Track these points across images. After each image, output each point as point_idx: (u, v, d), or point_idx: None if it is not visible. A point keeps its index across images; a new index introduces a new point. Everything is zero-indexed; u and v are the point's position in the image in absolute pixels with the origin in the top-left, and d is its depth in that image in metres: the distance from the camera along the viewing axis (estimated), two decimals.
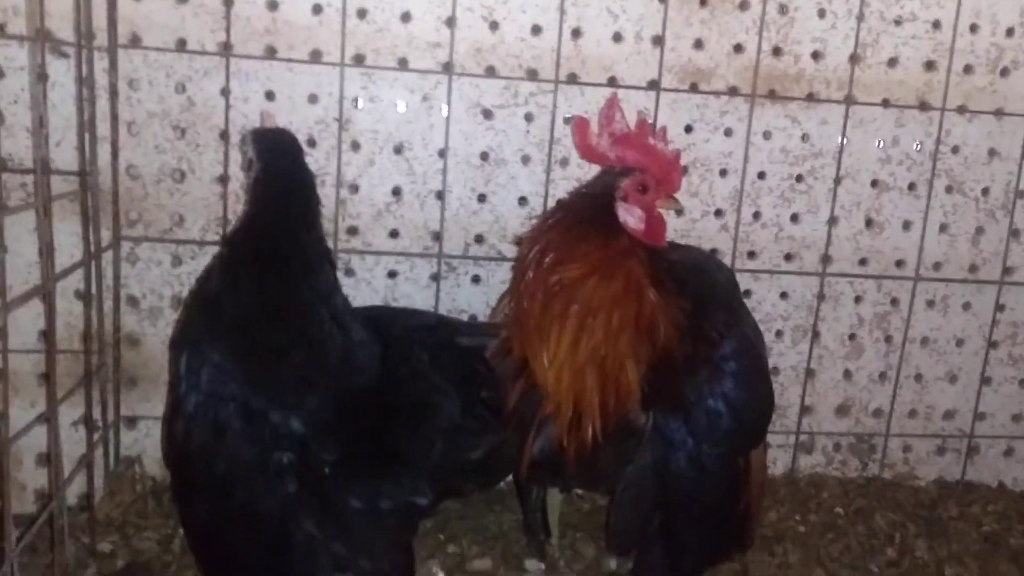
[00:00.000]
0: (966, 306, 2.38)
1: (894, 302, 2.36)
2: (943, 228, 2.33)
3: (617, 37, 2.10)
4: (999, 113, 2.27)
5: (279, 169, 1.65)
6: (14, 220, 1.85)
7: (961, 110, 2.26)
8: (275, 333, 1.58)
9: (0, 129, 1.91)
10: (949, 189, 2.31)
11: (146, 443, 2.12)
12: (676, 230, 2.21)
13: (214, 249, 2.03)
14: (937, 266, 2.35)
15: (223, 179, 2.04)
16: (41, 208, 1.62)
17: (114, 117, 1.96)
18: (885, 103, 2.22)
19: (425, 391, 1.66)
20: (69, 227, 1.92)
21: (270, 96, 2.02)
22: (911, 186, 2.29)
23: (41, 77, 1.83)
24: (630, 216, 1.72)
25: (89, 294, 1.89)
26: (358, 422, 1.58)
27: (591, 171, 2.11)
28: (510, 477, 1.96)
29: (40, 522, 1.68)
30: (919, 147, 2.27)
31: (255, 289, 1.59)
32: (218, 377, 1.53)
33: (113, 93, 1.95)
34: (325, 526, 1.55)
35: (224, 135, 2.02)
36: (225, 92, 2.00)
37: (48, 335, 1.66)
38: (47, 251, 1.64)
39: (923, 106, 2.24)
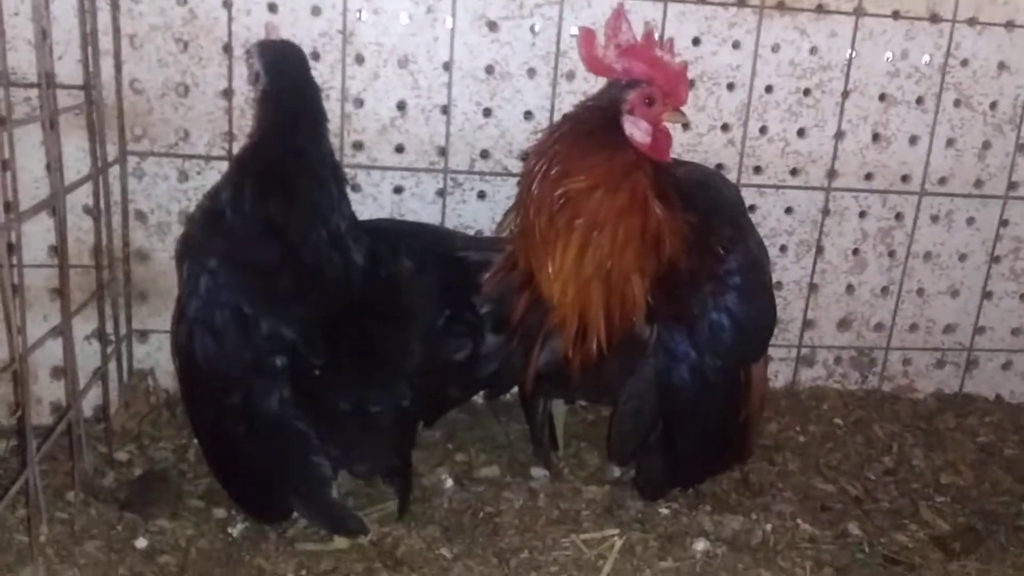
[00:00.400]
0: (970, 221, 2.39)
1: (899, 217, 2.36)
2: (950, 143, 2.32)
3: None
4: (1010, 25, 2.24)
5: (287, 83, 1.67)
6: (19, 136, 1.85)
7: (971, 22, 2.22)
8: (270, 252, 1.63)
9: (3, 42, 1.88)
10: (957, 103, 2.29)
11: (158, 356, 2.16)
12: (682, 145, 2.21)
13: (221, 164, 2.03)
14: (943, 181, 2.35)
15: (227, 93, 2.03)
16: (47, 122, 1.62)
17: (116, 30, 1.94)
18: (895, 15, 2.19)
19: (402, 295, 1.72)
20: (75, 142, 1.92)
21: (272, 8, 1.99)
22: (919, 100, 2.27)
23: None
24: (636, 129, 1.72)
25: (98, 209, 1.89)
26: (343, 327, 1.64)
27: (598, 84, 2.09)
28: (515, 389, 2.00)
29: (58, 431, 1.72)
30: (928, 60, 2.24)
31: (257, 205, 1.64)
32: (215, 284, 1.60)
33: (114, 5, 1.92)
34: (319, 428, 1.63)
35: (227, 48, 2.00)
36: (227, 4, 1.97)
37: (60, 249, 1.68)
38: (56, 164, 1.64)
39: (933, 18, 2.21)
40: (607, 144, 1.73)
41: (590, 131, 1.74)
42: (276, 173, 1.66)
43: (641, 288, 1.73)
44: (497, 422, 2.19)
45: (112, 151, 1.97)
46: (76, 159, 1.94)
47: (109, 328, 2.00)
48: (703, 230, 1.77)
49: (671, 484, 1.90)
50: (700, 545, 1.76)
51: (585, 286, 1.72)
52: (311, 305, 1.63)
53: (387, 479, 1.81)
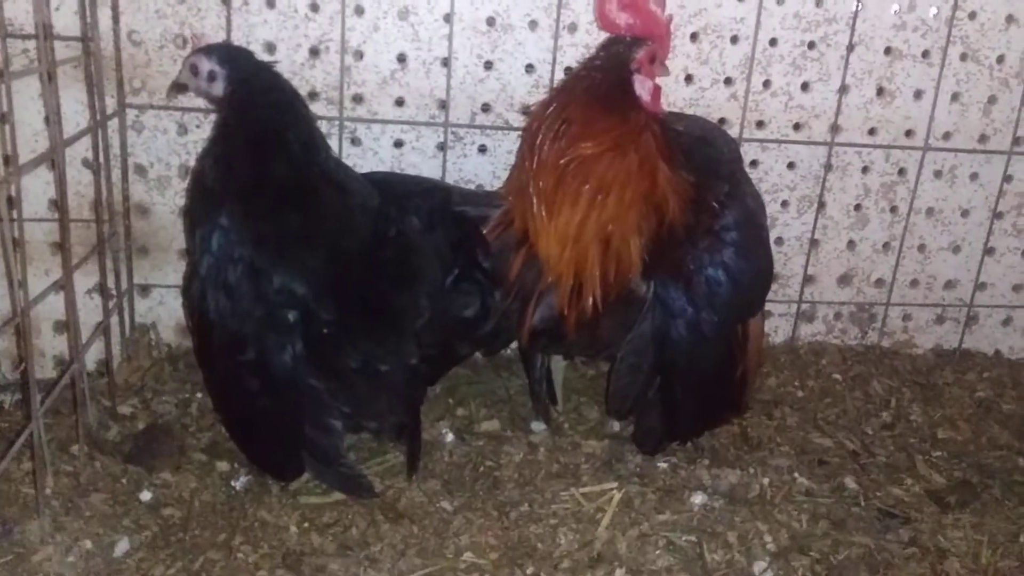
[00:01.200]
0: (973, 176, 2.38)
1: (901, 172, 2.35)
2: (955, 97, 2.30)
3: None
4: None
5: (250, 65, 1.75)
6: (18, 88, 1.83)
7: None
8: (270, 197, 1.65)
9: None
10: (963, 57, 2.26)
11: (160, 311, 2.16)
12: (685, 99, 2.19)
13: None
14: (947, 136, 2.33)
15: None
16: (45, 74, 1.61)
17: None
18: None
19: (409, 254, 1.72)
20: (72, 95, 1.91)
21: None
22: (925, 54, 2.25)
23: None
24: (643, 89, 1.72)
25: (97, 162, 1.89)
26: (353, 285, 1.65)
27: (600, 37, 2.07)
28: (515, 345, 2.01)
29: (62, 385, 1.73)
30: (935, 13, 2.21)
31: (246, 148, 1.67)
32: (226, 240, 1.61)
33: None
34: (330, 386, 1.65)
35: None
36: None
37: (60, 202, 1.67)
38: (54, 117, 1.63)
39: None
40: (619, 106, 1.72)
41: (602, 94, 1.73)
42: (260, 116, 1.69)
43: (638, 247, 1.73)
44: (498, 377, 2.20)
45: (111, 104, 1.95)
46: (75, 112, 1.92)
47: (110, 282, 2.00)
48: (700, 186, 1.76)
49: (669, 438, 1.91)
50: (698, 499, 1.78)
51: (584, 247, 1.72)
52: (320, 258, 1.64)
53: (396, 437, 1.82)
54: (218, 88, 1.71)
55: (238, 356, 1.61)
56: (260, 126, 1.68)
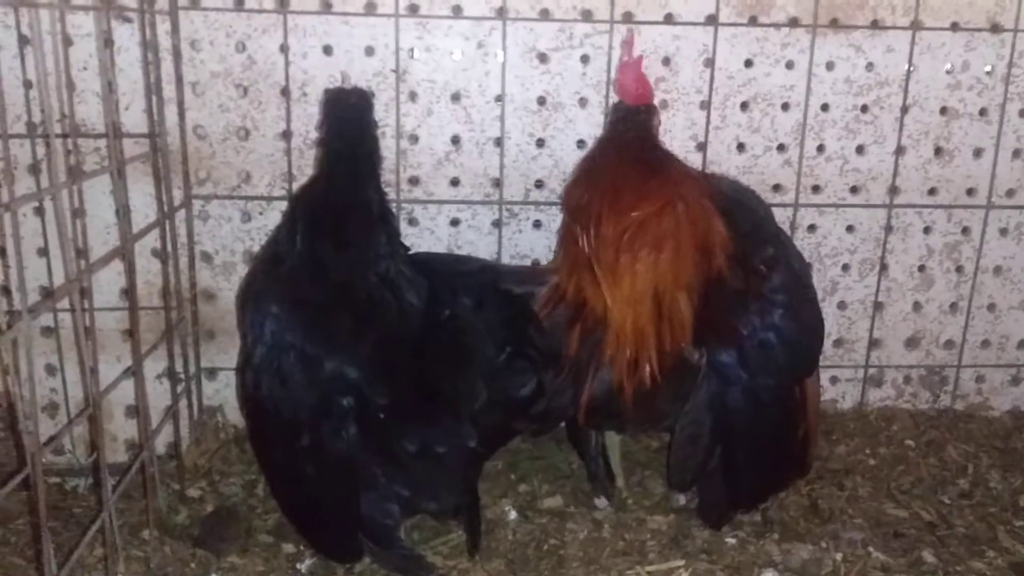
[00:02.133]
0: None
1: (965, 231, 2.31)
2: (1016, 154, 2.26)
3: None
4: None
5: (341, 131, 1.72)
6: (91, 184, 1.91)
7: None
8: (322, 292, 1.68)
9: (72, 96, 1.97)
10: (1022, 113, 2.23)
11: (227, 393, 2.21)
12: (738, 167, 2.20)
13: (281, 204, 2.08)
14: (1010, 193, 2.29)
15: (286, 135, 2.07)
16: (115, 171, 1.68)
17: (178, 79, 2.00)
18: (954, 27, 2.15)
19: (463, 335, 1.72)
20: (142, 188, 1.99)
21: (327, 50, 2.03)
22: (982, 112, 2.22)
23: (107, 43, 1.89)
24: None
25: (165, 252, 1.96)
26: (406, 369, 1.67)
27: None
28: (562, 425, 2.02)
29: (132, 470, 1.78)
30: (991, 71, 2.19)
31: (307, 248, 1.70)
32: (278, 328, 1.65)
33: (176, 55, 1.99)
34: (387, 469, 1.66)
35: (285, 91, 2.05)
36: (284, 48, 2.03)
37: (130, 293, 1.73)
38: (123, 212, 1.70)
39: (994, 28, 2.16)
40: (660, 166, 1.79)
41: (644, 158, 1.78)
42: (325, 217, 1.72)
43: (689, 308, 1.73)
44: (559, 451, 2.18)
45: (178, 195, 2.03)
46: (144, 204, 2.00)
47: (179, 367, 2.05)
48: (745, 248, 1.77)
49: (733, 508, 1.88)
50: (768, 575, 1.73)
51: (645, 309, 1.72)
52: (371, 345, 1.65)
53: (454, 515, 1.81)
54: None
55: (293, 443, 1.63)
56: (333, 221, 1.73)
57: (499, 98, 2.10)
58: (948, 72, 2.18)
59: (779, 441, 1.82)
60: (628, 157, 1.79)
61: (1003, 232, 2.31)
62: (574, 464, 2.12)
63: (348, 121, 1.74)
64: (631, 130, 1.83)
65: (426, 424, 1.64)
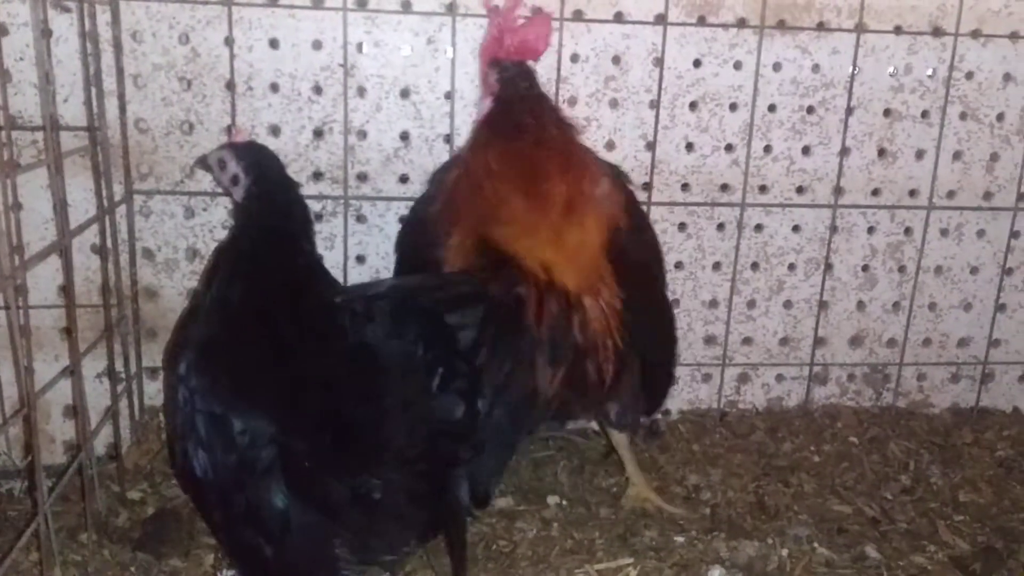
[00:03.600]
0: (980, 233, 2.37)
1: (908, 231, 2.35)
2: (957, 156, 2.31)
3: None
4: (1014, 36, 2.23)
5: (272, 184, 1.66)
6: (27, 178, 1.87)
7: (975, 34, 2.22)
8: (233, 334, 1.57)
9: (8, 87, 1.91)
10: (963, 116, 2.28)
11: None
12: (687, 166, 2.21)
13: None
14: (951, 194, 2.33)
15: (231, 129, 2.03)
16: (53, 165, 1.63)
17: (119, 71, 1.95)
18: (897, 30, 2.19)
19: (373, 367, 1.54)
20: (81, 182, 1.94)
21: (274, 44, 2.00)
22: (924, 114, 2.26)
23: (45, 33, 1.84)
24: None
25: (105, 248, 1.91)
26: (323, 410, 1.52)
27: (600, 108, 2.13)
28: None
29: (70, 472, 1.73)
30: (932, 74, 2.24)
31: (221, 291, 1.60)
32: (188, 392, 1.53)
33: (117, 46, 1.94)
34: (329, 519, 1.52)
35: (230, 85, 2.01)
36: (229, 41, 1.99)
37: (67, 290, 1.68)
38: (61, 208, 1.65)
39: (936, 32, 2.20)
40: (570, 129, 1.89)
41: (560, 121, 1.88)
42: (257, 272, 1.60)
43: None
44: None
45: (118, 190, 1.98)
46: (83, 199, 1.95)
47: (119, 366, 2.00)
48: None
49: (647, 414, 2.13)
50: (716, 572, 1.74)
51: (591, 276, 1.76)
52: (285, 390, 1.51)
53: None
54: (238, 193, 1.68)
55: (231, 509, 1.51)
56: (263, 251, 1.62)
57: (449, 95, 2.09)
58: (891, 75, 2.22)
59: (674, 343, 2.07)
60: (551, 118, 1.81)
61: (944, 233, 2.36)
62: (522, 462, 2.12)
63: (275, 171, 1.68)
64: (534, 87, 1.85)
65: (353, 467, 1.49)
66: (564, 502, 1.98)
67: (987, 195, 2.34)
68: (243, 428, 1.49)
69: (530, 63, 1.86)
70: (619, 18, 2.09)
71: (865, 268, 2.36)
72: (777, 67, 2.17)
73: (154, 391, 2.16)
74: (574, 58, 2.10)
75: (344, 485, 1.49)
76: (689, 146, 2.20)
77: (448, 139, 2.11)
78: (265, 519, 1.50)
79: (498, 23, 1.86)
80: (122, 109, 1.97)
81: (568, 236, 1.72)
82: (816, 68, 2.19)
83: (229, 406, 1.50)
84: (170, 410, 1.62)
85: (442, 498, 1.56)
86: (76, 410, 1.77)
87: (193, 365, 1.53)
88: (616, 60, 2.11)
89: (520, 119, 1.78)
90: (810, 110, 2.22)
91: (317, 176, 2.08)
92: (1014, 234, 2.38)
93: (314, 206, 2.04)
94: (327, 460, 1.49)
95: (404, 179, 2.13)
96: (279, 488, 1.48)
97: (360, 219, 2.13)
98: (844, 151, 2.26)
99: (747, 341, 2.38)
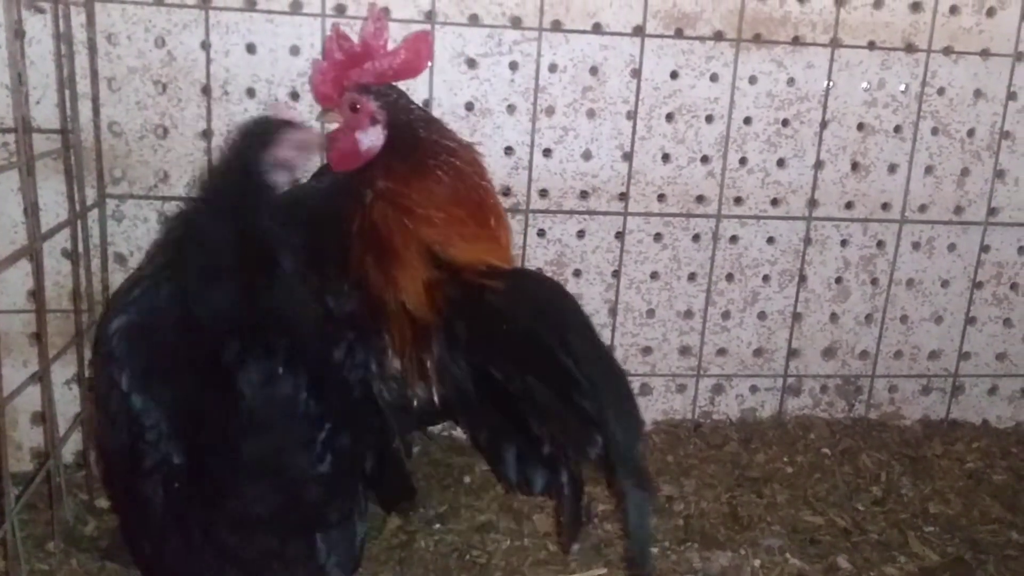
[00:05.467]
0: (951, 247, 2.40)
1: (880, 245, 2.37)
2: (929, 170, 2.33)
3: None
4: (985, 54, 2.26)
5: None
6: None
7: (947, 51, 2.25)
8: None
9: None
10: (935, 131, 2.31)
11: None
12: (663, 177, 2.22)
13: None
14: (923, 208, 2.36)
15: (206, 134, 2.02)
16: (24, 167, 1.61)
17: (94, 73, 1.93)
18: (871, 45, 2.21)
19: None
20: (53, 186, 1.91)
21: (251, 49, 1.99)
22: (897, 129, 2.29)
23: (18, 34, 1.82)
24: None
25: (76, 253, 1.88)
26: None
27: (577, 119, 2.13)
28: None
29: (38, 480, 1.70)
30: (905, 89, 2.26)
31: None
32: (103, 361, 1.46)
33: (92, 48, 1.92)
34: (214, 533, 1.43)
35: (206, 89, 1.99)
36: (205, 45, 1.97)
37: (37, 295, 1.66)
38: (32, 211, 1.63)
39: (909, 48, 2.23)
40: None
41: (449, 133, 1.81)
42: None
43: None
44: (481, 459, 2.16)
45: (91, 194, 1.96)
46: (55, 203, 1.92)
47: (89, 372, 1.97)
48: None
49: None
50: None
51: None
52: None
53: None
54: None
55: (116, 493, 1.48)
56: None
57: (427, 102, 2.08)
58: (865, 89, 2.25)
59: None
60: (450, 135, 1.76)
61: (915, 246, 2.38)
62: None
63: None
64: (419, 107, 1.79)
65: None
66: (536, 514, 1.97)
67: (958, 209, 2.37)
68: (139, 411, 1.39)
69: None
70: (597, 29, 2.10)
71: (838, 280, 2.39)
72: (753, 80, 2.19)
73: None
74: (552, 68, 2.10)
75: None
76: (665, 157, 2.21)
77: None
78: (146, 516, 1.41)
79: (348, 48, 1.73)
80: (96, 112, 1.94)
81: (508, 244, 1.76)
82: (791, 82, 2.21)
83: (137, 384, 1.40)
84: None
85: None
86: (44, 417, 1.74)
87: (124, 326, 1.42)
88: (594, 71, 2.12)
89: (432, 140, 1.72)
90: (785, 123, 2.24)
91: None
92: (984, 248, 2.41)
93: None
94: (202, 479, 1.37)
95: None
96: (159, 496, 1.38)
97: None
98: (818, 164, 2.28)
99: (721, 352, 2.39)
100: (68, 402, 2.00)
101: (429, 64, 1.83)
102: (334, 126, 1.75)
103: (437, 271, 1.62)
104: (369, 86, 1.71)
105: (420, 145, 1.70)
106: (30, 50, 1.88)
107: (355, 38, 1.74)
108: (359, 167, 1.69)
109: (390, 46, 1.73)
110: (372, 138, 1.69)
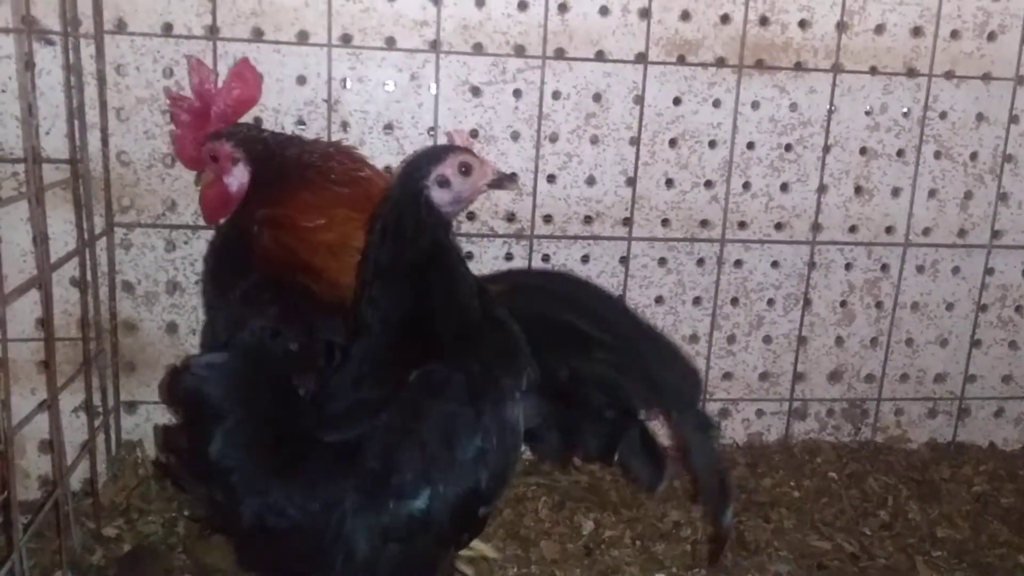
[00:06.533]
0: (955, 270, 2.40)
1: (884, 268, 2.38)
2: (932, 194, 2.34)
3: (604, 11, 2.09)
4: (987, 77, 2.28)
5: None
6: (6, 210, 1.85)
7: (948, 75, 2.26)
8: None
9: None
10: (937, 155, 2.32)
11: (147, 427, 2.14)
12: (667, 202, 2.23)
13: (207, 233, 2.03)
14: (926, 231, 2.37)
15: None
16: (34, 198, 1.63)
17: (103, 104, 1.95)
18: (873, 70, 2.23)
19: None
20: (62, 215, 1.93)
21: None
22: (899, 152, 2.30)
23: (28, 66, 1.84)
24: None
25: (85, 282, 1.89)
26: None
27: (581, 145, 2.14)
28: None
29: (46, 509, 1.70)
30: (907, 113, 2.28)
31: None
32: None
33: (101, 79, 1.94)
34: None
35: None
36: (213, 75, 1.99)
37: (46, 324, 1.67)
38: (41, 241, 1.64)
39: (911, 72, 2.25)
40: None
41: None
42: None
43: None
44: None
45: (99, 223, 1.97)
46: (64, 232, 1.94)
47: (97, 400, 1.98)
48: None
49: None
50: None
51: None
52: None
53: None
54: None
55: None
56: None
57: (432, 130, 2.10)
58: (867, 114, 2.26)
59: None
60: (321, 148, 1.85)
61: (920, 269, 2.39)
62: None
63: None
64: (270, 132, 1.85)
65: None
66: (543, 540, 1.97)
67: (962, 232, 2.38)
68: None
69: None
70: (600, 57, 2.12)
71: (843, 304, 2.39)
72: (756, 105, 2.21)
73: (132, 426, 2.14)
74: (556, 95, 2.12)
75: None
76: (669, 182, 2.22)
77: None
78: None
79: (188, 106, 1.79)
80: (104, 142, 1.97)
81: None
82: (794, 107, 2.23)
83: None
84: None
85: None
86: (52, 445, 1.74)
87: None
88: (597, 98, 2.14)
89: (293, 156, 1.77)
90: (788, 148, 2.25)
91: None
92: (988, 271, 2.42)
93: None
94: None
95: None
96: None
97: None
98: (822, 188, 2.29)
99: (727, 376, 2.39)
100: (75, 430, 2.01)
101: (260, 90, 1.83)
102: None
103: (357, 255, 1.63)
104: (219, 132, 1.77)
105: (284, 165, 1.76)
106: (40, 81, 1.91)
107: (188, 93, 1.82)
108: (235, 209, 1.77)
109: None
110: (238, 177, 1.76)
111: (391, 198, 1.48)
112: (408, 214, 1.46)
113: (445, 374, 1.42)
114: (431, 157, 1.50)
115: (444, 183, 1.47)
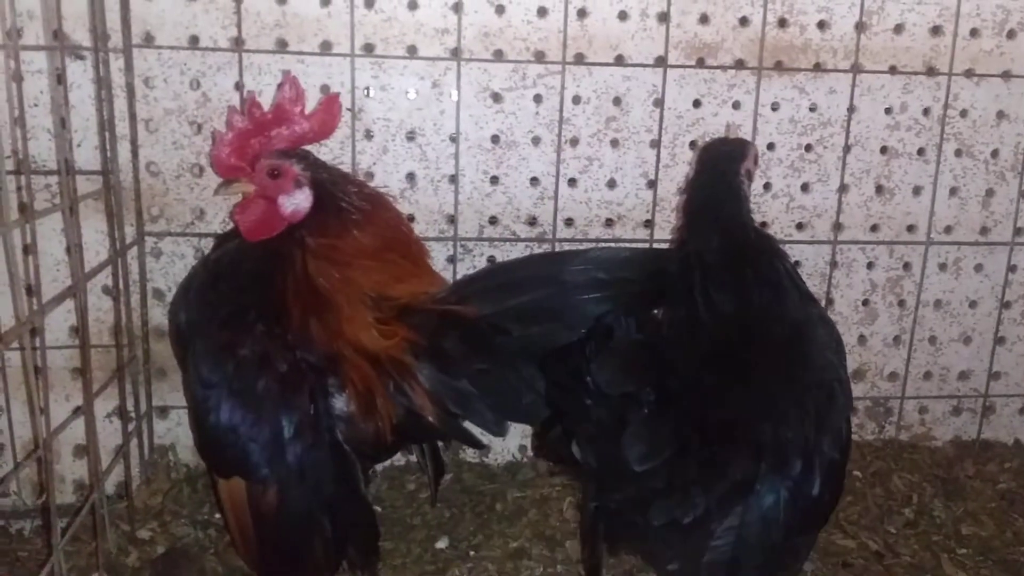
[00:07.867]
0: (978, 268, 2.40)
1: (906, 266, 2.38)
2: (953, 192, 2.34)
3: (623, 15, 2.11)
4: (1007, 75, 2.27)
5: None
6: (41, 220, 1.88)
7: (968, 74, 2.26)
8: None
9: (24, 132, 1.94)
10: (958, 153, 2.32)
11: (178, 432, 2.18)
12: None
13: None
14: (948, 229, 2.37)
15: None
16: (67, 209, 1.67)
17: (132, 115, 1.99)
18: (892, 70, 2.23)
19: None
20: (94, 225, 1.97)
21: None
22: (920, 151, 2.30)
23: (60, 80, 1.88)
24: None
25: (117, 290, 1.94)
26: None
27: (601, 148, 2.16)
28: None
29: (83, 513, 1.75)
30: (927, 112, 2.28)
31: None
32: None
33: (130, 92, 1.98)
34: None
35: None
36: (239, 86, 2.03)
37: (81, 332, 1.71)
38: (76, 250, 1.69)
39: (930, 71, 2.25)
40: None
41: None
42: None
43: None
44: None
45: (130, 232, 2.02)
46: (96, 241, 1.99)
47: (130, 405, 2.03)
48: None
49: None
50: None
51: None
52: None
53: None
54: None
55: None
56: None
57: (454, 137, 2.13)
58: (887, 113, 2.26)
59: None
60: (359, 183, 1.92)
61: (942, 267, 2.39)
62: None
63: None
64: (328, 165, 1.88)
65: None
66: (569, 540, 1.99)
67: (984, 230, 2.38)
68: None
69: None
70: (620, 61, 2.14)
71: (865, 303, 2.39)
72: (775, 107, 2.22)
73: (163, 430, 2.18)
74: (576, 100, 2.14)
75: None
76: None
77: (453, 179, 2.15)
78: None
79: (258, 116, 1.78)
80: (134, 153, 2.01)
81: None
82: (814, 107, 2.23)
83: None
84: None
85: None
86: (88, 450, 1.79)
87: None
88: (617, 101, 2.16)
89: (352, 193, 1.80)
90: (808, 148, 2.26)
91: None
92: (1011, 268, 2.41)
93: None
94: None
95: (410, 219, 2.15)
96: None
97: None
98: (843, 188, 2.30)
99: None
100: (109, 435, 2.05)
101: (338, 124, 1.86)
102: (238, 198, 1.82)
103: (379, 312, 1.74)
104: (287, 151, 1.77)
105: (344, 201, 1.78)
106: (71, 95, 1.94)
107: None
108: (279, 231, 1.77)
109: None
110: (298, 200, 1.76)
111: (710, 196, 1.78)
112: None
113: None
114: (736, 153, 1.80)
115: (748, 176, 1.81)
